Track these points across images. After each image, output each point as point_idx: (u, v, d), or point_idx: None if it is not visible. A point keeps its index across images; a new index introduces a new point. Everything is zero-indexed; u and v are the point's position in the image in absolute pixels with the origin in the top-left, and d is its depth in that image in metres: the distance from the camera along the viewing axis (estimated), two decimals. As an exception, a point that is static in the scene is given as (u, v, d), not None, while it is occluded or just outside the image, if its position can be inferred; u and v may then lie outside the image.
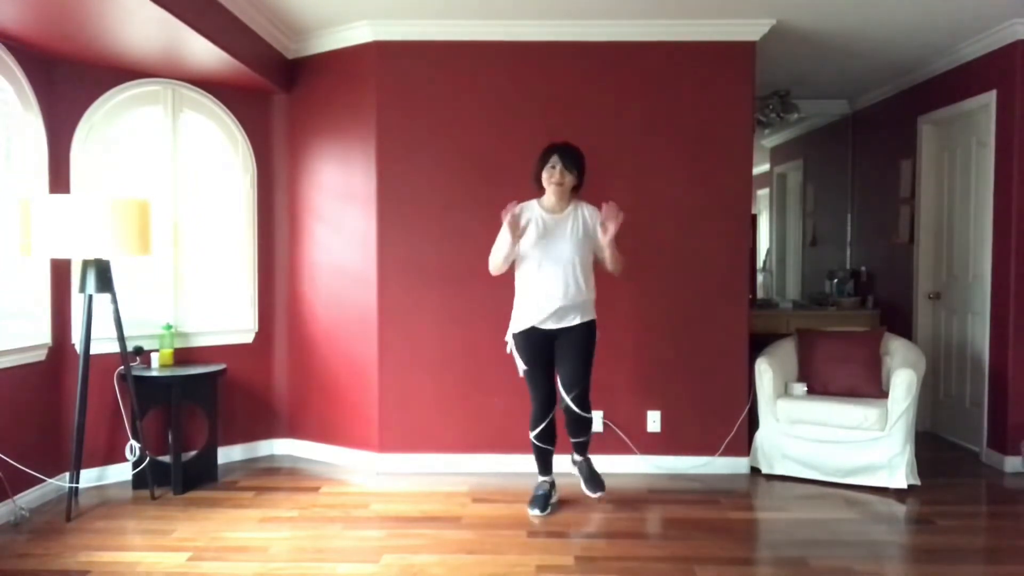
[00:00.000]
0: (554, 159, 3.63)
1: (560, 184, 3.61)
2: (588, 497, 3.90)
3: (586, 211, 3.69)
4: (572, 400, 3.68)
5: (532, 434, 3.81)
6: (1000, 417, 4.56)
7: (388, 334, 4.46)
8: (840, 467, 4.19)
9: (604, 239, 3.59)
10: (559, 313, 3.63)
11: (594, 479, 3.86)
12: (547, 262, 3.60)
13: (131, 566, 3.15)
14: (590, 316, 3.72)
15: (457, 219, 4.42)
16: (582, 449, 3.89)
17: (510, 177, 4.17)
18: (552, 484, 3.90)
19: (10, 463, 3.63)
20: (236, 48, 3.93)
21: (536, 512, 3.75)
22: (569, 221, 3.65)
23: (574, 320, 3.65)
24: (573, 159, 3.65)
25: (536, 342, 3.70)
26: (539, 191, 3.71)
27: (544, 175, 3.65)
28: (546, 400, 3.75)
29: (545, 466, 3.89)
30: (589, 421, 3.81)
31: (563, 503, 3.92)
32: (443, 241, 4.43)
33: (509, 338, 3.78)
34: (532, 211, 3.67)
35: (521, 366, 3.75)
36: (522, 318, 3.71)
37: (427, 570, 3.12)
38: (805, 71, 5.39)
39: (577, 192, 3.72)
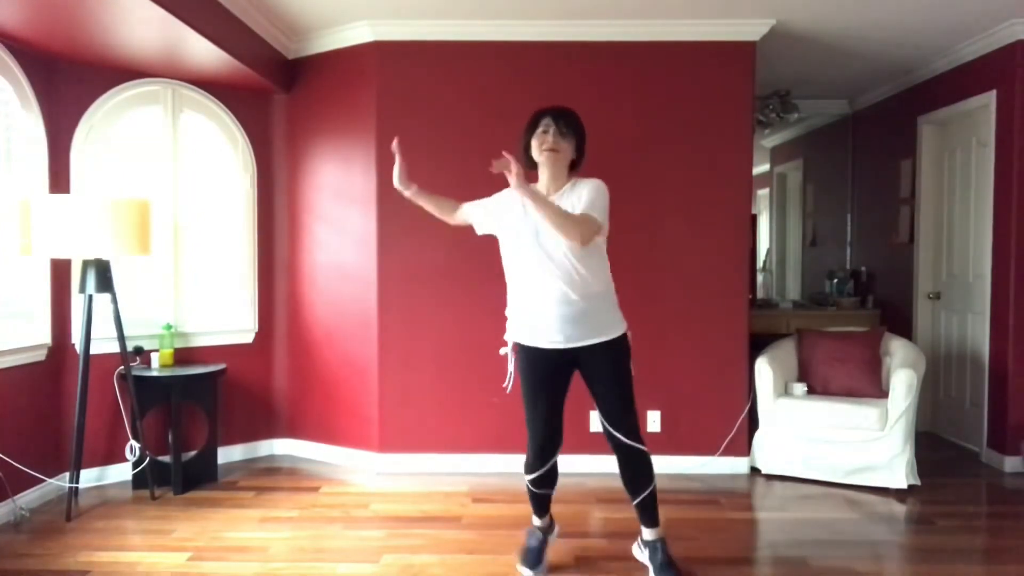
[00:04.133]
0: (546, 121, 2.86)
1: (554, 150, 2.83)
2: None
3: (584, 188, 2.85)
4: (625, 436, 2.89)
5: (527, 479, 3.05)
6: (1000, 417, 4.55)
7: (388, 334, 4.46)
8: (840, 467, 4.19)
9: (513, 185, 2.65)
10: (567, 323, 2.81)
11: (670, 569, 2.94)
12: (540, 256, 2.81)
13: (131, 566, 3.15)
14: (616, 330, 2.90)
15: (457, 219, 4.42)
16: (650, 513, 2.98)
17: (507, 177, 4.17)
18: (546, 529, 3.19)
19: (10, 463, 3.63)
20: (236, 48, 3.93)
21: (527, 572, 3.03)
22: (564, 203, 2.82)
23: (595, 336, 2.84)
24: (569, 123, 2.89)
25: (537, 361, 2.90)
26: (531, 170, 2.92)
27: (535, 142, 2.87)
28: (545, 440, 2.94)
29: (540, 507, 3.16)
30: (646, 456, 2.93)
31: (562, 502, 3.76)
32: (443, 241, 4.43)
33: (508, 345, 3.01)
34: (518, 197, 2.81)
35: (510, 381, 2.99)
36: (520, 328, 2.93)
37: (427, 570, 3.12)
38: (805, 71, 5.39)
39: (575, 170, 2.98)
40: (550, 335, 2.84)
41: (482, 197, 3.15)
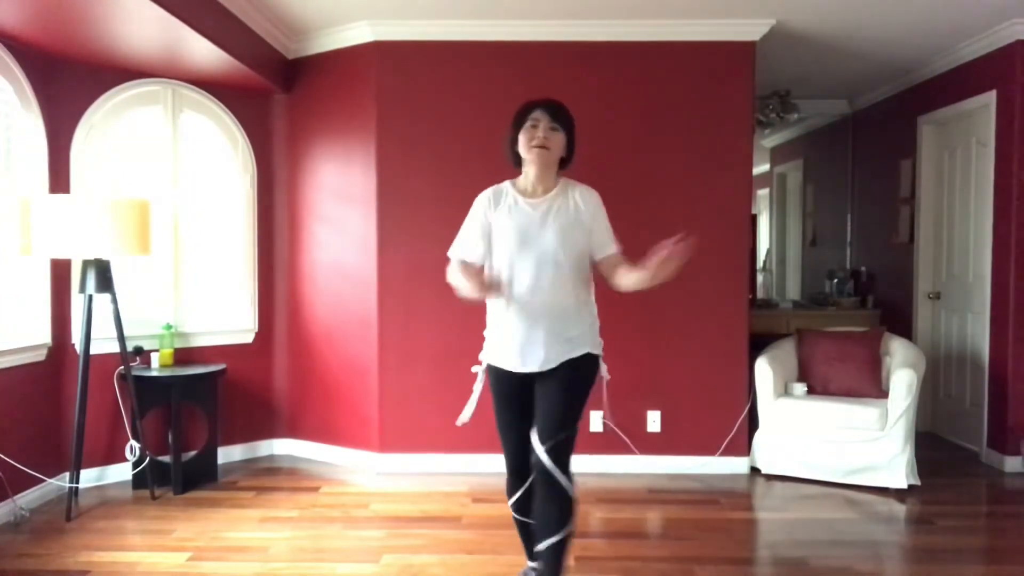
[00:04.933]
0: (535, 115, 2.61)
1: (544, 147, 2.59)
2: None
3: (578, 194, 2.67)
4: (547, 453, 2.51)
5: (509, 503, 2.77)
6: (1000, 417, 4.55)
7: (388, 334, 4.46)
8: (840, 467, 4.19)
9: (649, 268, 2.61)
10: (540, 343, 2.58)
11: None
12: (523, 263, 2.59)
13: (131, 566, 3.15)
14: (587, 348, 2.63)
15: (457, 219, 4.38)
16: (553, 563, 2.49)
17: (510, 177, 4.17)
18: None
19: (10, 463, 3.63)
20: (236, 48, 3.93)
21: None
22: (555, 207, 2.62)
23: (562, 355, 2.59)
24: (560, 117, 2.64)
25: (506, 382, 2.70)
26: (516, 169, 2.76)
27: (522, 137, 2.62)
28: (520, 458, 2.66)
29: (531, 543, 2.70)
30: (567, 495, 2.51)
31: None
32: (443, 241, 4.40)
33: (482, 366, 2.79)
34: (504, 195, 2.71)
35: (469, 411, 2.78)
36: (493, 347, 2.71)
37: (427, 570, 3.12)
38: (805, 71, 5.39)
39: (565, 168, 2.73)
40: (521, 357, 2.60)
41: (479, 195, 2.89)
